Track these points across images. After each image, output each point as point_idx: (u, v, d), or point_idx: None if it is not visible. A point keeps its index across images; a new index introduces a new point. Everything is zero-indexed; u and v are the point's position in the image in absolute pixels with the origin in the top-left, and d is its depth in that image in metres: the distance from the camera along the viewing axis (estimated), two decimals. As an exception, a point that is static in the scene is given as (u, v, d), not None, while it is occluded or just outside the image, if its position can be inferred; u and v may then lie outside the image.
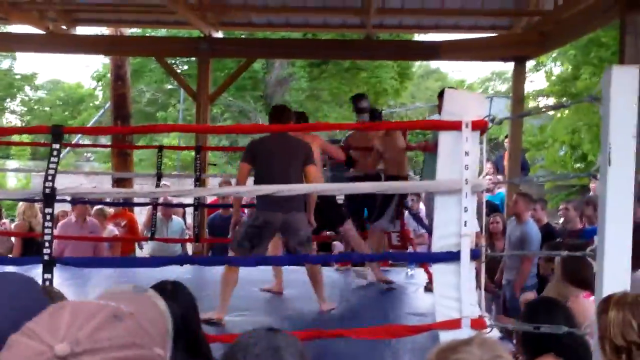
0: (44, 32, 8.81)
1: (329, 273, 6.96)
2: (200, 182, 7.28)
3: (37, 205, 7.31)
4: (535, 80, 36.09)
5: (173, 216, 8.26)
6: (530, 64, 15.60)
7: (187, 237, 8.26)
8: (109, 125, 12.20)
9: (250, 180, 5.38)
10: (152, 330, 0.95)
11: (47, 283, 3.31)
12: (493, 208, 8.27)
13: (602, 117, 2.98)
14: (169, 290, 2.32)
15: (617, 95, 2.90)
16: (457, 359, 1.34)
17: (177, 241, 8.21)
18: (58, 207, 8.28)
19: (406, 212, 7.53)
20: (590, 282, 3.44)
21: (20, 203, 7.60)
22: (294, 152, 5.22)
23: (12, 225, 8.29)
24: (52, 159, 3.64)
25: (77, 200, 7.35)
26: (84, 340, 0.87)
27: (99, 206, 8.12)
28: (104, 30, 11.52)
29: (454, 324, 3.24)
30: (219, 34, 8.85)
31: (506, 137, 9.28)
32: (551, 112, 14.42)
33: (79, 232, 7.35)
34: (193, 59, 11.95)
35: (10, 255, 7.29)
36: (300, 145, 5.30)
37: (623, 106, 2.90)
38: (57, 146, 3.68)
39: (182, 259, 5.27)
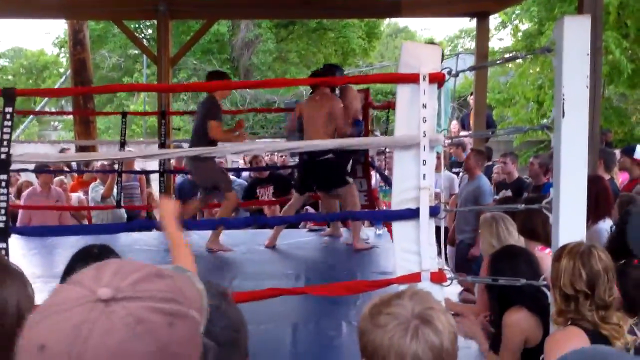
0: (-4, -3, 8.53)
1: (300, 233, 7.00)
2: (165, 147, 7.19)
3: None
4: (504, 38, 36.23)
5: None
6: (497, 21, 15.61)
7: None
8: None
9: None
10: (190, 296, 1.00)
11: (3, 252, 3.26)
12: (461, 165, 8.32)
13: (555, 68, 2.98)
14: (95, 254, 2.32)
15: (569, 46, 2.90)
16: (390, 313, 1.35)
17: (143, 208, 8.13)
18: (23, 178, 8.19)
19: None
20: (544, 235, 3.50)
21: None
22: (198, 109, 6.08)
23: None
24: (6, 123, 3.55)
25: (41, 169, 7.22)
26: (125, 288, 0.91)
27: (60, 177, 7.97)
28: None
29: (414, 278, 3.26)
30: (178, -5, 8.66)
31: (471, 94, 9.28)
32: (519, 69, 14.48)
33: (44, 202, 7.24)
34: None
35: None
36: (203, 101, 6.03)
37: (575, 57, 2.90)
38: (9, 109, 3.59)
39: (140, 224, 5.22)
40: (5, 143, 3.54)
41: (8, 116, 3.64)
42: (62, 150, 9.67)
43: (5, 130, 3.59)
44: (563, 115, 2.92)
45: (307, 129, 5.94)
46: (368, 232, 6.79)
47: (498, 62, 4.89)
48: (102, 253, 2.37)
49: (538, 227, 3.61)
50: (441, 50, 3.69)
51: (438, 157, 3.56)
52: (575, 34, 2.92)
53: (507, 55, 12.36)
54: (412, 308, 1.34)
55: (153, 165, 8.46)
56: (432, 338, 1.32)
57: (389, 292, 1.46)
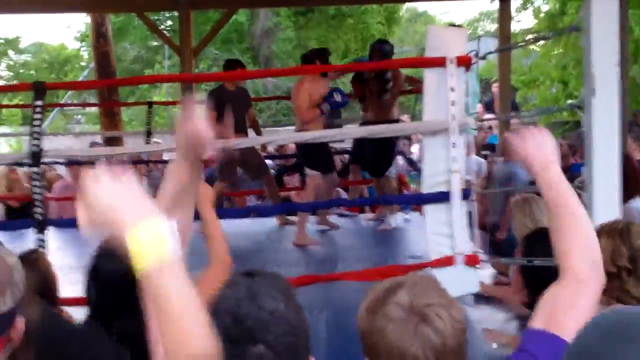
0: (20, -8, 8.61)
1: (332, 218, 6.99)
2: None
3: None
4: (523, 20, 35.77)
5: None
6: (517, 2, 15.37)
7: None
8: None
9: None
10: None
11: (40, 243, 3.32)
12: (492, 148, 8.24)
13: (584, 47, 2.97)
14: (32, 260, 2.36)
15: (598, 25, 2.89)
16: (385, 314, 1.28)
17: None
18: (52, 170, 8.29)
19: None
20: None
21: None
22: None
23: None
24: (36, 116, 3.59)
25: (71, 162, 7.30)
26: None
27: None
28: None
29: (447, 261, 3.27)
30: (199, -14, 8.69)
31: (495, 81, 9.17)
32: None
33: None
34: (176, 13, 11.77)
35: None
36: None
37: (604, 35, 2.89)
38: (39, 102, 3.63)
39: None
40: (36, 136, 3.60)
41: (38, 109, 3.69)
42: (93, 144, 9.76)
43: (35, 123, 3.64)
44: (594, 94, 2.91)
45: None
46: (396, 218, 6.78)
47: (524, 43, 4.86)
48: (37, 258, 2.40)
49: None
50: (467, 33, 3.68)
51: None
52: (603, 12, 2.90)
53: (531, 36, 12.21)
54: (409, 304, 1.27)
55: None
56: (432, 338, 1.25)
57: (385, 282, 1.36)
